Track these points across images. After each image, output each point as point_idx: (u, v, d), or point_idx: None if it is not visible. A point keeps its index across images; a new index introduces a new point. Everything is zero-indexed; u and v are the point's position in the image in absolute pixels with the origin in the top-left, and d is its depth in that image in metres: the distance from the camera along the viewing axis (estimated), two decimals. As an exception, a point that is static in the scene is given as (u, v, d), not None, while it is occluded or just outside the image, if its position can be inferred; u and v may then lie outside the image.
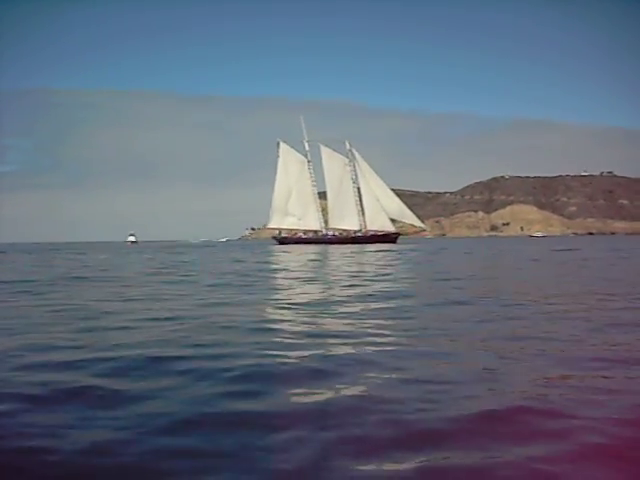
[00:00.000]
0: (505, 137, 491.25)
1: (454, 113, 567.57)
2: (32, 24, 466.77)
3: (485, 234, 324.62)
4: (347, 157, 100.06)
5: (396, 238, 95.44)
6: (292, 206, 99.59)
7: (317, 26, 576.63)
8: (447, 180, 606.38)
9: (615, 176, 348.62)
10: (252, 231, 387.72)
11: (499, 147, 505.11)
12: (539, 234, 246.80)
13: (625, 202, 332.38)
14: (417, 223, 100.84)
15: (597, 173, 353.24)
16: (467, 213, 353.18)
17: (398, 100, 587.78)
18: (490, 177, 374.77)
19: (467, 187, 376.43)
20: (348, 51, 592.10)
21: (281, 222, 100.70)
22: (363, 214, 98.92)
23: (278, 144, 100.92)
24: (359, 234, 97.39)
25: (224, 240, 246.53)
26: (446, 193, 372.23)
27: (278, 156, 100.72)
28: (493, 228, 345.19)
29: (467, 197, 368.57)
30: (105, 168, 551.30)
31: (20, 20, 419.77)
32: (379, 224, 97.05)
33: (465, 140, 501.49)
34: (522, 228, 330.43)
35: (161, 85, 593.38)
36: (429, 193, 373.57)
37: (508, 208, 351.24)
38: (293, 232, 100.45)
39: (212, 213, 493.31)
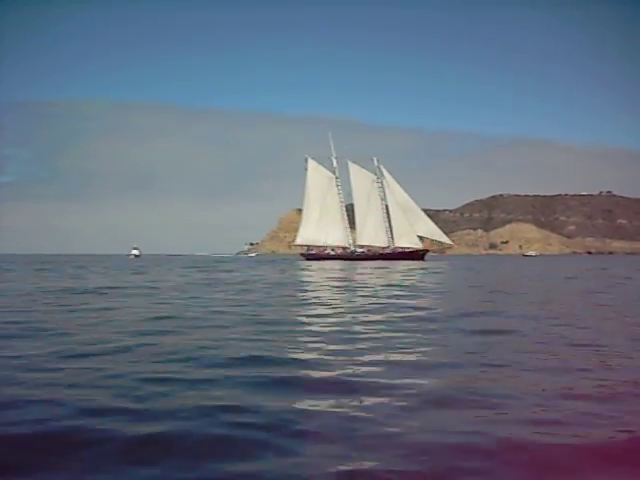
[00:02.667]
0: (504, 155, 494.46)
1: (454, 131, 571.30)
2: (31, 35, 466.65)
3: (484, 252, 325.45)
4: (375, 174, 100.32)
5: (423, 255, 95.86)
6: (320, 223, 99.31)
7: (317, 39, 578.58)
8: (446, 198, 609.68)
9: (614, 196, 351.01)
10: (251, 246, 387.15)
11: (498, 165, 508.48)
12: (533, 253, 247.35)
13: (624, 222, 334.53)
14: (445, 240, 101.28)
15: (596, 192, 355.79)
16: (466, 231, 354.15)
17: (398, 117, 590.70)
18: (489, 195, 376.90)
19: (466, 205, 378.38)
20: (349, 66, 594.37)
21: (309, 238, 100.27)
22: (391, 231, 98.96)
23: (306, 160, 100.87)
24: (387, 251, 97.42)
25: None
26: (445, 210, 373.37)
27: (306, 169, 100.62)
28: (492, 246, 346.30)
29: (466, 215, 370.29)
30: (104, 180, 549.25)
31: (19, 31, 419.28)
32: (407, 241, 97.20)
33: (465, 158, 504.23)
34: (521, 247, 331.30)
35: (160, 97, 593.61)
36: (428, 210, 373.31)
37: (507, 226, 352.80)
38: (321, 248, 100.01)
39: (211, 227, 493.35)
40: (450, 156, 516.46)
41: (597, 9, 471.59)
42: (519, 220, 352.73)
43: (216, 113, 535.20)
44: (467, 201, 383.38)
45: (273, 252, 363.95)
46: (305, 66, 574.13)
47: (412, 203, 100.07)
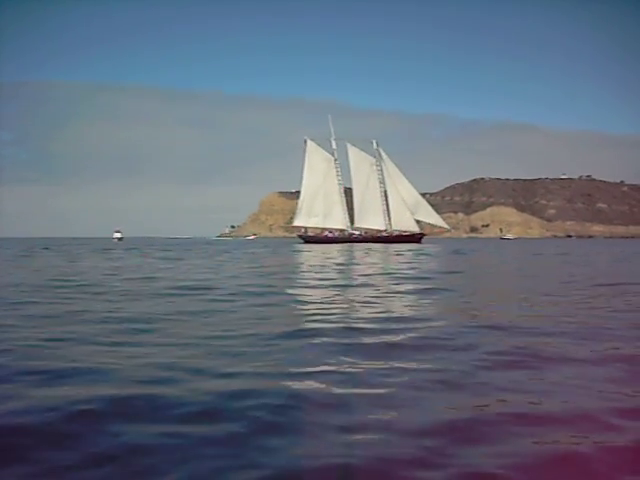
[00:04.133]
0: (485, 139, 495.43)
1: (436, 114, 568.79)
2: (16, 18, 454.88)
3: (465, 235, 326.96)
4: (374, 157, 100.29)
5: (420, 238, 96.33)
6: (318, 204, 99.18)
7: (301, 24, 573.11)
8: (428, 181, 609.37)
9: (593, 180, 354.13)
10: (232, 229, 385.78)
11: (480, 149, 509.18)
12: (510, 236, 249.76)
13: (603, 206, 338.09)
14: (441, 224, 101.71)
15: (576, 176, 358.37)
16: (447, 214, 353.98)
17: (382, 100, 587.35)
18: (470, 179, 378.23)
19: (447, 188, 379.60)
20: (332, 50, 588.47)
21: (307, 220, 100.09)
22: (389, 214, 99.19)
23: (305, 142, 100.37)
24: (384, 234, 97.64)
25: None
26: (426, 194, 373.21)
27: (304, 152, 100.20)
28: (473, 229, 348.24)
29: (447, 198, 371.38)
30: (88, 163, 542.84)
31: (5, 13, 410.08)
32: (404, 224, 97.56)
33: (446, 141, 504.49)
34: (501, 230, 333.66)
35: (144, 80, 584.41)
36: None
37: (488, 210, 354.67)
38: (319, 231, 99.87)
39: (192, 210, 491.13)
40: (431, 139, 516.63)
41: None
42: (500, 203, 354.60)
43: (200, 97, 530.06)
44: (448, 184, 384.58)
45: (255, 235, 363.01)
46: (288, 50, 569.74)
47: (410, 187, 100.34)
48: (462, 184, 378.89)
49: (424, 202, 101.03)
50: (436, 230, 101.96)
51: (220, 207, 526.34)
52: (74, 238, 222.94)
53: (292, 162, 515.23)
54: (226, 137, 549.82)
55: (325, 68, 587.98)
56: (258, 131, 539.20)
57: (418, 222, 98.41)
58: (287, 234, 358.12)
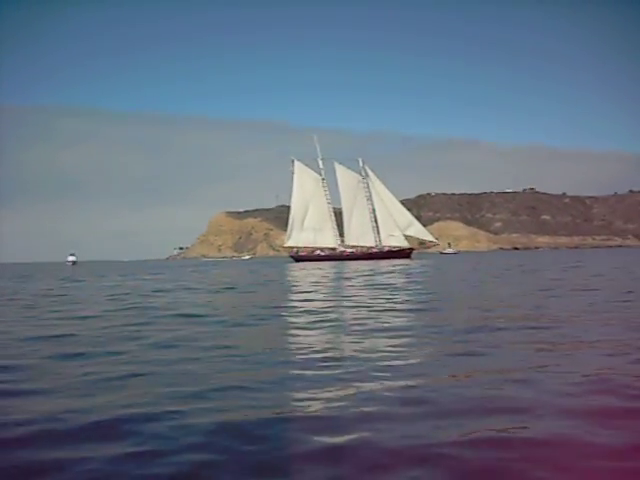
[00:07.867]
0: (429, 155, 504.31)
1: (378, 131, 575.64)
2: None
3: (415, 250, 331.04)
4: (360, 174, 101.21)
5: (410, 253, 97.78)
6: (308, 223, 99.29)
7: (236, 42, 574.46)
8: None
9: (537, 192, 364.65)
10: (180, 250, 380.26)
11: (423, 165, 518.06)
12: (450, 251, 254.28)
13: (547, 217, 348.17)
14: (429, 237, 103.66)
15: (520, 190, 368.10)
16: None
17: (321, 119, 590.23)
18: (417, 194, 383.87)
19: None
20: (271, 70, 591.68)
21: (298, 239, 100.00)
22: (378, 230, 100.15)
23: (292, 162, 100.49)
24: (375, 250, 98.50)
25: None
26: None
27: (293, 173, 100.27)
28: (421, 244, 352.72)
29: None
30: (32, 186, 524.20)
31: None
32: (394, 240, 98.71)
33: (390, 158, 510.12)
34: (449, 244, 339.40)
35: (85, 100, 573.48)
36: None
37: (435, 225, 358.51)
38: (310, 249, 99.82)
39: (139, 232, 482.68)
40: (373, 157, 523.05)
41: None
42: (447, 218, 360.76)
43: (144, 117, 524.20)
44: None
45: (203, 256, 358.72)
46: (229, 70, 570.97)
47: (397, 202, 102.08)
48: (409, 199, 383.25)
49: (411, 217, 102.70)
50: (425, 244, 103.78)
51: (165, 229, 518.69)
52: (19, 264, 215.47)
53: (239, 182, 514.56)
54: (171, 158, 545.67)
55: (262, 88, 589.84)
56: (203, 152, 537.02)
57: (406, 237, 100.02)
58: (236, 254, 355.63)
